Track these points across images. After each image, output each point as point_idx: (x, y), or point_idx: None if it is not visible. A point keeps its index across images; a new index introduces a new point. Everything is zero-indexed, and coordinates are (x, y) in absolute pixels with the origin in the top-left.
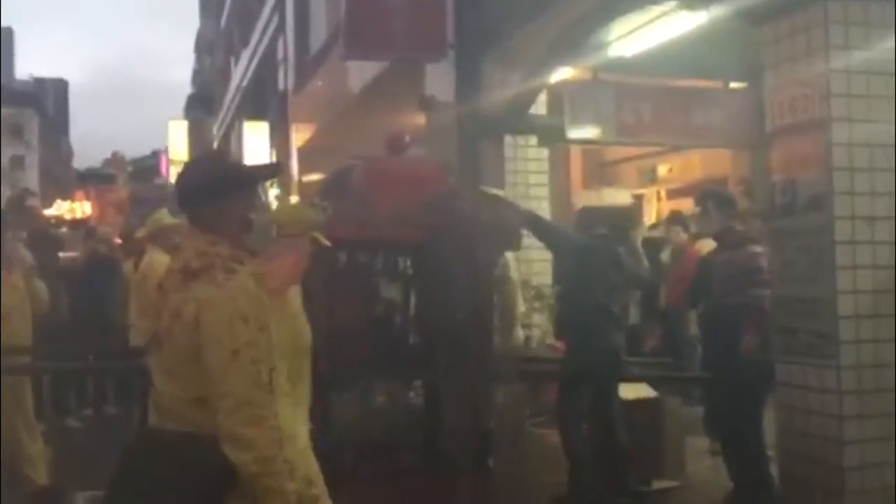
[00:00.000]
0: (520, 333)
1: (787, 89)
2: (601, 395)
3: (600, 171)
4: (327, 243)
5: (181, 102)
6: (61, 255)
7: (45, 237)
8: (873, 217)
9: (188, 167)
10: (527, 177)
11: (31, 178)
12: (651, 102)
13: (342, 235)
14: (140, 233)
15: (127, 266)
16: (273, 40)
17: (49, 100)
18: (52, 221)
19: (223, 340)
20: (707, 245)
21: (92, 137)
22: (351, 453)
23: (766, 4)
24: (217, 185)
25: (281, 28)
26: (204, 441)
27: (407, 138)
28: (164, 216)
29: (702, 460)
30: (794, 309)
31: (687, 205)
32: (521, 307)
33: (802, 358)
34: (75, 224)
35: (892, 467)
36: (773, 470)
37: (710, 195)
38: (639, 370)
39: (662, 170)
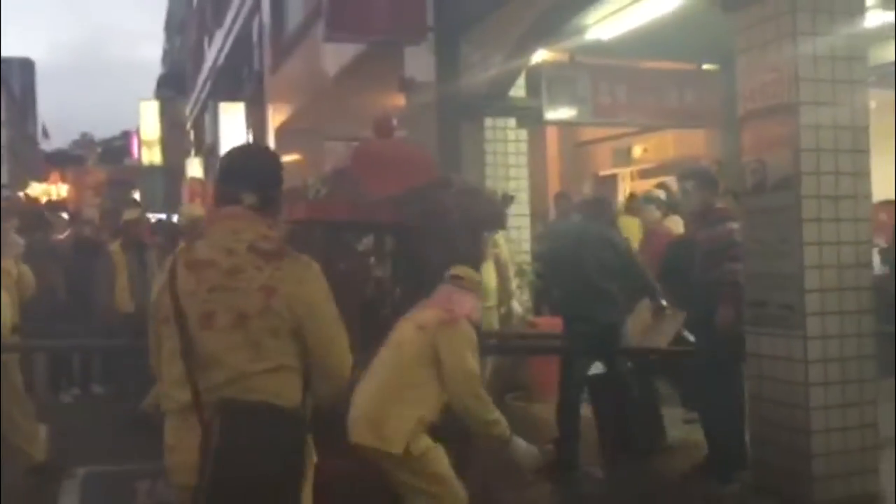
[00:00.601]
0: (517, 308)
1: (757, 74)
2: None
3: (576, 152)
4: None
5: (152, 82)
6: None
7: (39, 221)
8: (837, 196)
9: (251, 153)
10: (506, 157)
11: None
12: (626, 84)
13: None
14: (129, 215)
15: (114, 247)
16: (248, 20)
17: (15, 80)
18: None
19: (327, 313)
20: (676, 223)
21: (60, 118)
22: None
23: None
24: (280, 172)
25: (256, 7)
26: (283, 409)
27: (394, 121)
28: (196, 208)
29: (677, 427)
30: (763, 283)
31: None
32: (514, 283)
33: (772, 329)
34: (52, 206)
35: (854, 430)
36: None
37: (693, 174)
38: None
39: (637, 150)
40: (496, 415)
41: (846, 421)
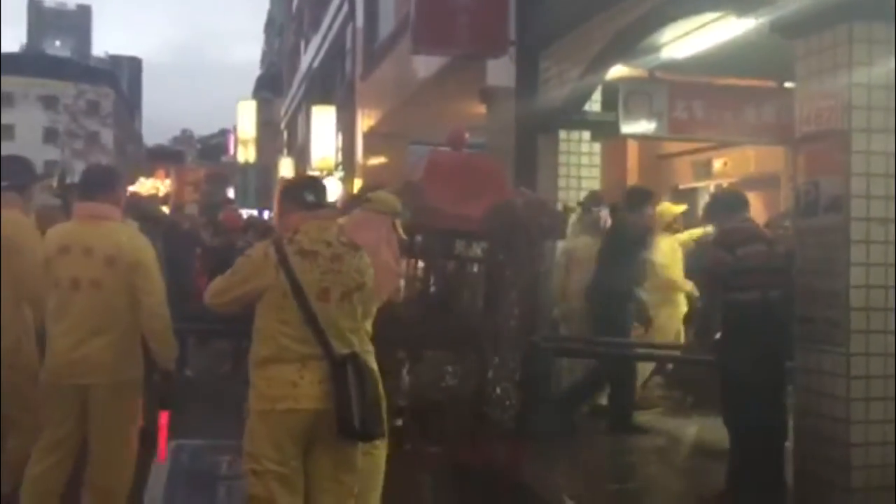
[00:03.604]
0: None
1: (813, 100)
2: None
3: (656, 164)
4: (402, 235)
5: (250, 82)
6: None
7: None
8: (887, 219)
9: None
10: (579, 170)
11: (109, 154)
12: (704, 100)
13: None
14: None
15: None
16: (343, 27)
17: (124, 77)
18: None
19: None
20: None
21: (162, 114)
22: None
23: (798, 21)
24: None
25: (351, 15)
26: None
27: (467, 135)
28: None
29: None
30: (813, 300)
31: None
32: None
33: (818, 345)
34: (154, 201)
35: (892, 446)
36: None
37: (716, 200)
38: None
39: (717, 164)
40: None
41: (886, 436)
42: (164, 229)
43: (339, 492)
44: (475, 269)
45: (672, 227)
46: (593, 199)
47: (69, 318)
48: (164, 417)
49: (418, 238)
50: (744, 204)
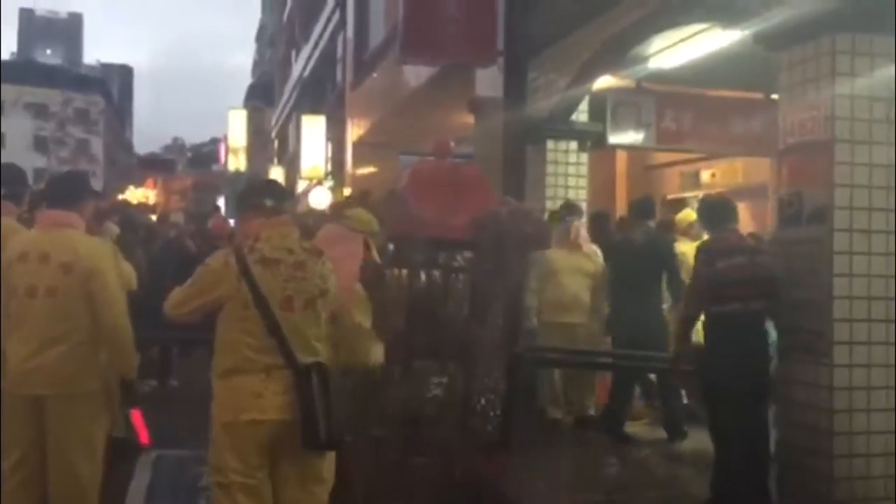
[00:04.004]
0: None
1: (796, 111)
2: None
3: (644, 175)
4: (375, 256)
5: (241, 91)
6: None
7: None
8: (870, 231)
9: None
10: (566, 179)
11: (97, 162)
12: (691, 111)
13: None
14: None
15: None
16: (333, 37)
17: (115, 86)
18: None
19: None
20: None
21: (153, 123)
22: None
23: (781, 33)
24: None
25: (341, 25)
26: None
27: (452, 144)
28: None
29: None
30: (796, 311)
31: None
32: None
33: (801, 355)
34: (141, 209)
35: (878, 458)
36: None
37: (704, 205)
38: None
39: (706, 174)
40: None
41: (870, 448)
42: (145, 236)
43: (307, 502)
44: (460, 278)
45: (689, 233)
46: (567, 209)
47: (25, 326)
48: (136, 415)
49: (402, 247)
50: (732, 211)
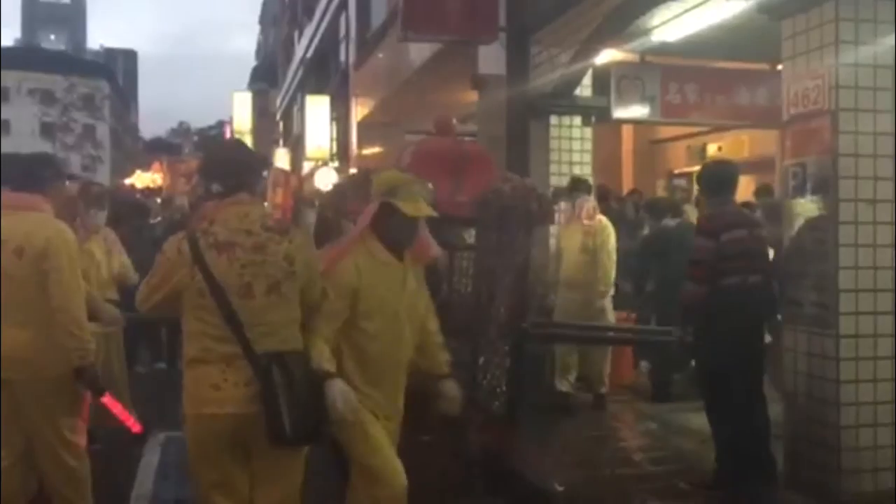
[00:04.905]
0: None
1: (800, 81)
2: None
3: (651, 149)
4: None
5: (246, 73)
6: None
7: (137, 206)
8: (875, 200)
9: (236, 149)
10: (570, 154)
11: (103, 147)
12: (696, 83)
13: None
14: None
15: None
16: (336, 16)
17: (119, 70)
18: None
19: (317, 276)
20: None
21: (158, 107)
22: None
23: (784, 2)
24: (254, 162)
25: (343, 4)
26: (302, 356)
27: (454, 121)
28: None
29: None
30: (801, 283)
31: None
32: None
33: (807, 327)
34: (149, 193)
35: (883, 428)
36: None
37: (701, 175)
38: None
39: (712, 148)
40: None
41: (877, 418)
42: (166, 225)
43: (281, 498)
44: (464, 255)
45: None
46: (575, 185)
47: None
48: (109, 402)
49: None
50: (732, 178)
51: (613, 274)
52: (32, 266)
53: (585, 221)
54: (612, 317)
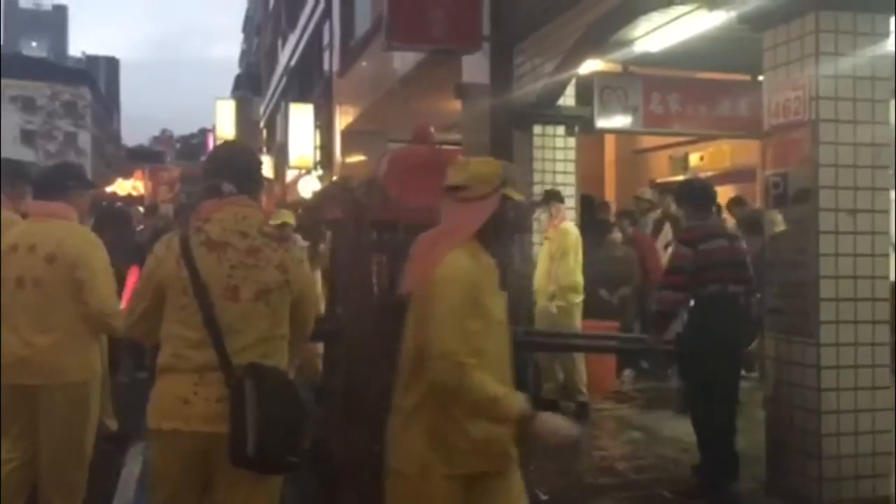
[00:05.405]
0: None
1: (781, 91)
2: None
3: (633, 159)
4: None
5: (229, 81)
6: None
7: (120, 214)
8: (855, 210)
9: (245, 152)
10: (554, 164)
11: (85, 155)
12: (679, 94)
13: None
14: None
15: None
16: (319, 24)
17: (101, 77)
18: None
19: (313, 289)
20: None
21: (141, 114)
22: None
23: (765, 13)
24: (256, 165)
25: (327, 13)
26: (283, 373)
27: (432, 129)
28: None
29: None
30: (782, 291)
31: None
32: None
33: (788, 335)
34: (131, 201)
35: (864, 436)
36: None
37: (681, 191)
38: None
39: (694, 158)
40: None
41: (858, 426)
42: (151, 233)
43: None
44: None
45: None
46: (546, 197)
47: (15, 317)
48: None
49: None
50: (712, 195)
51: (579, 280)
52: (63, 273)
53: (550, 230)
54: (577, 324)
